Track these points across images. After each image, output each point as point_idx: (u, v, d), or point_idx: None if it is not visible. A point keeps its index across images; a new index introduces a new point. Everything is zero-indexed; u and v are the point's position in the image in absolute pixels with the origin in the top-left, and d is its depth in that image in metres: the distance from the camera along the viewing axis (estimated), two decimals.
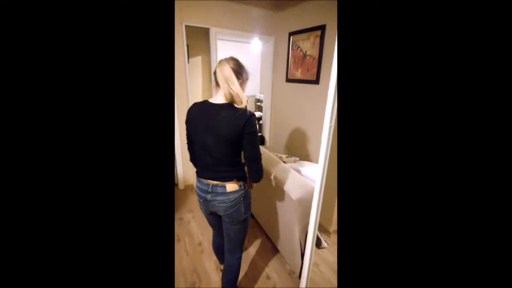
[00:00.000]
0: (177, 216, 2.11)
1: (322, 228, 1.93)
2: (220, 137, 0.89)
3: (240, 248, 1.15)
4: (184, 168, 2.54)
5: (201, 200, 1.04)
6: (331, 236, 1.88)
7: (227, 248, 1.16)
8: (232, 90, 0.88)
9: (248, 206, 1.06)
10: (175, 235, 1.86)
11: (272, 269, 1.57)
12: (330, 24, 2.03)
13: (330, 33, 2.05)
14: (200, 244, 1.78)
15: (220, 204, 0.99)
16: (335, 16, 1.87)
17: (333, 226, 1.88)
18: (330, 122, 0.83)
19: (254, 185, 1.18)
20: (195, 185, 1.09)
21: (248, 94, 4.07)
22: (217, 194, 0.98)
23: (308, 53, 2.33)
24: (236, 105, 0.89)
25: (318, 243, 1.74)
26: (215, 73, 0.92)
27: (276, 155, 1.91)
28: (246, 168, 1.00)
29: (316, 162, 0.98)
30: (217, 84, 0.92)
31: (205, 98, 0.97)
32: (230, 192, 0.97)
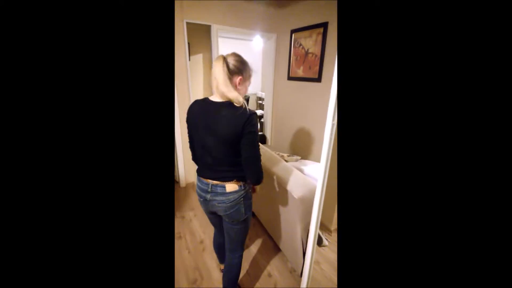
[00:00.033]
0: (178, 214, 2.11)
1: (323, 226, 1.94)
2: (219, 137, 0.87)
3: (241, 247, 1.15)
4: (185, 166, 2.54)
5: (201, 200, 1.03)
6: (332, 234, 1.88)
7: (228, 248, 1.15)
8: (220, 90, 0.86)
9: (248, 206, 1.04)
10: (176, 232, 1.87)
11: (274, 267, 1.57)
12: (333, 21, 2.01)
13: (332, 30, 2.03)
14: (201, 242, 1.78)
15: (219, 204, 0.98)
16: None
17: (334, 225, 1.88)
18: (333, 120, 0.83)
19: (258, 189, 1.15)
20: (196, 184, 1.08)
21: (249, 92, 4.06)
22: (217, 194, 0.97)
23: (310, 50, 2.32)
24: (236, 104, 0.86)
25: (319, 241, 1.75)
26: None
27: (278, 154, 1.90)
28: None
29: (318, 161, 0.98)
30: None
31: (206, 96, 0.95)
32: (230, 193, 0.96)
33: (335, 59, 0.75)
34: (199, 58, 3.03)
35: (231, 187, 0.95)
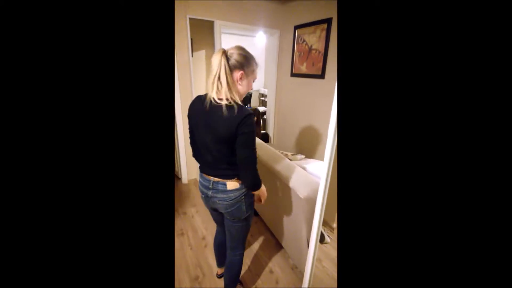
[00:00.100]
0: (180, 211, 2.12)
1: (325, 223, 1.93)
2: (218, 136, 0.85)
3: (242, 245, 1.14)
4: (187, 162, 2.55)
5: (203, 196, 1.03)
6: (334, 231, 1.87)
7: (229, 245, 1.15)
8: (217, 85, 0.82)
9: (249, 204, 1.03)
10: (178, 229, 1.88)
11: (275, 264, 1.58)
12: (336, 17, 1.99)
13: (336, 26, 2.01)
14: (203, 238, 1.79)
15: (220, 202, 0.97)
16: None
17: (336, 222, 1.87)
18: (337, 118, 0.81)
19: (263, 200, 1.07)
20: (198, 180, 1.08)
21: (252, 88, 4.03)
22: (218, 191, 0.96)
23: (313, 47, 2.29)
24: (231, 102, 0.83)
25: (321, 239, 1.74)
26: None
27: (282, 153, 1.89)
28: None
29: (322, 159, 0.96)
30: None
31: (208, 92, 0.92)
32: (231, 190, 0.95)
33: None
34: (202, 54, 3.02)
35: (232, 184, 0.94)
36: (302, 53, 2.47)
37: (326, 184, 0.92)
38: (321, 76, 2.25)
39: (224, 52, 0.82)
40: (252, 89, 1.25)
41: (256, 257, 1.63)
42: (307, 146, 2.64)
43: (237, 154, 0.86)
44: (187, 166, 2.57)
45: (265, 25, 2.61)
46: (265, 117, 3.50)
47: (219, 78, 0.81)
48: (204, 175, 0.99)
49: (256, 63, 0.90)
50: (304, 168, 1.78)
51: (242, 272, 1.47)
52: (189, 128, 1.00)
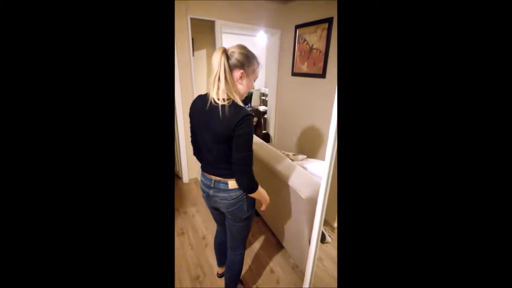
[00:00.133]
0: (181, 210, 2.12)
1: (326, 223, 1.93)
2: (217, 136, 0.84)
3: (243, 245, 1.14)
4: (188, 161, 2.55)
5: (205, 195, 1.03)
6: (335, 231, 1.87)
7: (229, 245, 1.15)
8: (216, 84, 0.81)
9: (251, 204, 1.02)
10: (179, 228, 1.88)
11: (276, 264, 1.58)
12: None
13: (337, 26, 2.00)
14: (204, 237, 1.79)
15: (222, 201, 0.97)
16: None
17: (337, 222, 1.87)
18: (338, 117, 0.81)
19: (264, 206, 1.04)
20: (199, 179, 1.08)
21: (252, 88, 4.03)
22: (219, 190, 0.96)
23: (314, 46, 2.29)
24: (236, 102, 0.83)
25: (322, 238, 1.74)
26: None
27: (283, 153, 1.89)
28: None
29: (323, 158, 0.96)
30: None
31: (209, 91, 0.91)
32: (232, 189, 0.94)
33: None
34: (202, 53, 3.02)
35: (233, 183, 0.94)
36: (303, 53, 2.47)
37: (327, 184, 0.92)
38: (322, 75, 2.24)
39: (225, 51, 0.82)
40: (253, 88, 1.24)
41: (257, 257, 1.63)
42: (308, 146, 2.64)
43: (232, 155, 0.84)
44: (188, 165, 2.57)
45: (266, 25, 2.60)
46: (265, 116, 3.49)
47: (219, 77, 0.81)
48: (206, 174, 0.99)
49: (257, 62, 0.90)
50: (304, 168, 1.78)
51: (243, 271, 1.47)
52: (191, 127, 1.01)
